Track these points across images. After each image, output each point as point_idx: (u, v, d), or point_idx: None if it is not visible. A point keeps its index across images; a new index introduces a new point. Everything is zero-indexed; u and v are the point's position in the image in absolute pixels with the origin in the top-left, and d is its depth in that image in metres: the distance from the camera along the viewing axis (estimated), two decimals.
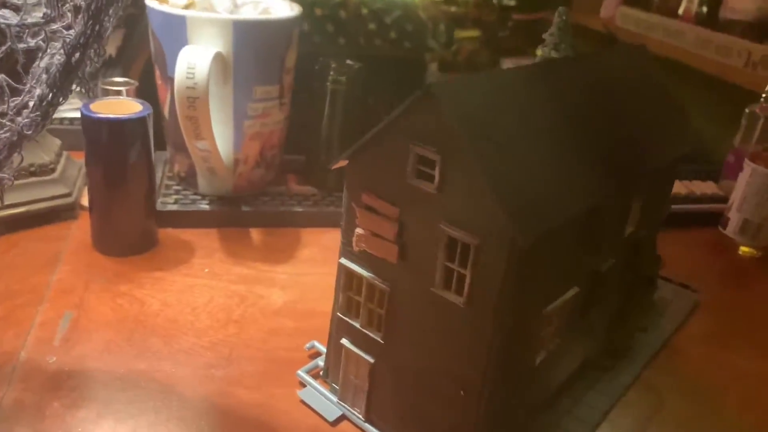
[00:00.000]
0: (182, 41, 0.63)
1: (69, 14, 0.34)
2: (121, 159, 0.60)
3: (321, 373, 0.50)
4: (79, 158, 0.68)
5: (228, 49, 0.64)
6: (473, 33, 2.11)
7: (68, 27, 0.34)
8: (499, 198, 0.34)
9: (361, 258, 0.43)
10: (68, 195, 0.68)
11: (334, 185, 0.77)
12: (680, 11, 1.49)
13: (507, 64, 2.22)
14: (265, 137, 0.71)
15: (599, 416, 0.49)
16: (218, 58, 0.62)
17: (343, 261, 0.44)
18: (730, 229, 0.78)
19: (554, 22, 0.67)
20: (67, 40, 0.34)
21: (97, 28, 0.34)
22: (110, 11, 0.34)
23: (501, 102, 0.38)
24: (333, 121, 0.75)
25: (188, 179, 0.73)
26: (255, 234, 0.70)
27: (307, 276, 0.64)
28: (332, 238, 0.70)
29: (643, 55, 0.58)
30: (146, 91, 0.75)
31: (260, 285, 0.62)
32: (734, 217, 0.77)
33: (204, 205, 0.70)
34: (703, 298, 0.67)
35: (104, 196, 0.62)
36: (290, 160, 0.80)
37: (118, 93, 0.79)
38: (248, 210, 0.71)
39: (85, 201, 0.65)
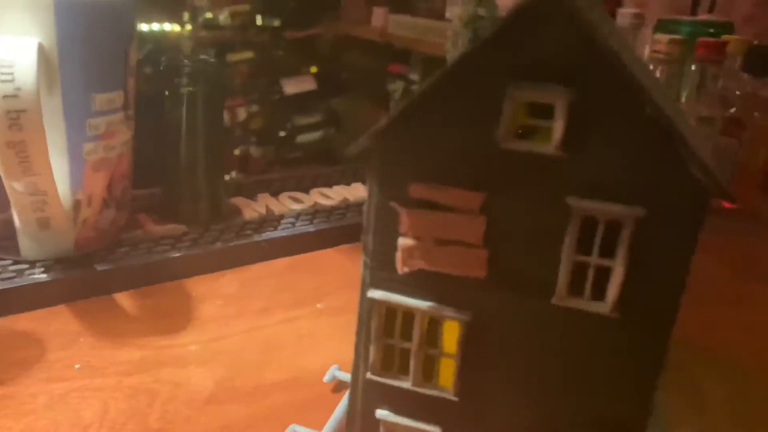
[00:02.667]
0: None
1: None
2: None
3: None
4: None
5: (50, 42, 0.44)
6: (247, 55, 1.99)
7: None
8: (682, 143, 0.23)
9: (412, 283, 0.29)
10: None
11: (210, 217, 0.59)
12: (447, 14, 1.55)
13: (287, 83, 2.13)
14: (113, 165, 0.51)
15: None
16: (41, 52, 0.42)
17: (376, 294, 0.29)
18: None
19: None
20: None
21: None
22: None
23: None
24: (194, 134, 0.57)
25: (2, 243, 0.50)
26: (125, 300, 0.50)
27: (227, 339, 0.46)
28: (233, 282, 0.53)
29: None
30: None
31: (168, 368, 0.43)
32: None
33: (39, 275, 0.48)
34: None
35: None
36: (138, 195, 0.60)
37: None
38: (106, 269, 0.50)
39: None
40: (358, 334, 0.31)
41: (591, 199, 0.25)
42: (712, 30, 0.78)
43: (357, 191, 0.69)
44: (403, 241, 0.28)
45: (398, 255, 0.28)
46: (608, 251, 0.25)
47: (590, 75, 0.23)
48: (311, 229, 0.60)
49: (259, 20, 2.12)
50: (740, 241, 0.70)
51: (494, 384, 0.29)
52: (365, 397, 0.31)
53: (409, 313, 0.29)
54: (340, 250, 0.61)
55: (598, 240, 0.25)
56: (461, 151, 0.26)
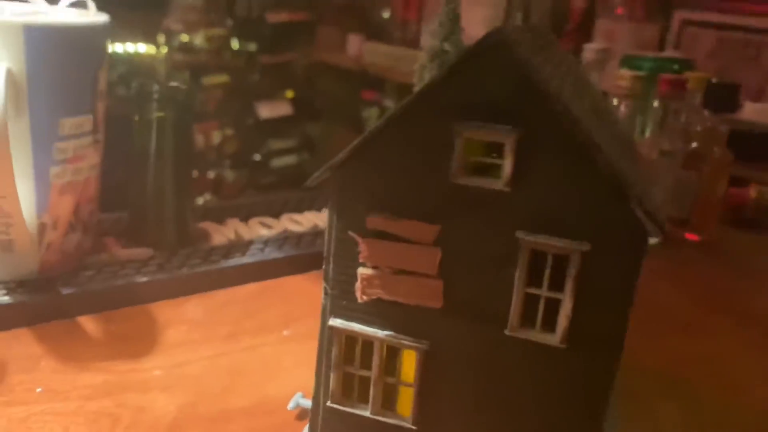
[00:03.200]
0: None
1: None
2: None
3: None
4: None
5: (19, 66, 0.44)
6: (222, 79, 2.00)
7: None
8: (621, 179, 0.24)
9: (371, 311, 0.29)
10: None
11: (177, 242, 0.59)
12: (422, 43, 1.59)
13: (261, 107, 2.14)
14: (80, 189, 0.51)
15: None
16: (9, 77, 0.43)
17: (336, 322, 0.30)
18: None
19: (441, 11, 0.59)
20: None
21: None
22: None
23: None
24: (162, 159, 0.58)
25: None
26: (88, 324, 0.50)
27: (191, 365, 0.46)
28: (199, 307, 0.53)
29: None
30: None
31: (131, 392, 0.43)
32: None
33: (1, 297, 0.48)
34: None
35: None
36: (104, 219, 0.60)
37: None
38: (71, 292, 0.50)
39: None
40: (319, 361, 0.31)
41: (539, 234, 0.26)
42: (675, 66, 0.81)
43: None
44: (363, 270, 0.29)
45: (357, 284, 0.29)
46: (558, 283, 0.26)
47: (533, 116, 0.25)
48: (280, 255, 0.61)
49: (235, 44, 2.12)
50: (700, 271, 0.72)
51: (450, 412, 0.29)
52: (325, 426, 0.32)
53: (368, 342, 0.30)
54: (308, 277, 0.61)
55: (547, 273, 0.26)
56: (416, 185, 0.27)
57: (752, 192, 0.87)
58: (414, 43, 1.64)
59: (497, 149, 0.25)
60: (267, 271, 0.59)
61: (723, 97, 0.75)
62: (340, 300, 0.30)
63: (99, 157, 0.53)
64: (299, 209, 0.71)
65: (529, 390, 0.28)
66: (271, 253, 0.61)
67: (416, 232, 0.27)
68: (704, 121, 0.77)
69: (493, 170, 0.26)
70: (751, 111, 1.14)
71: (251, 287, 0.58)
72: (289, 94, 2.18)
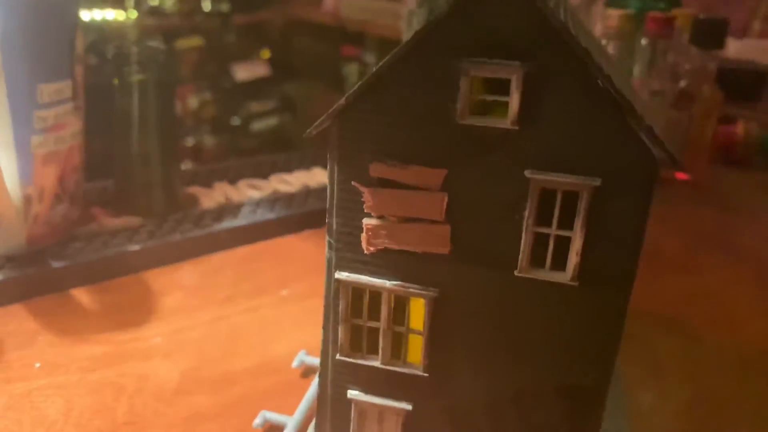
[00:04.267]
0: None
1: None
2: None
3: None
4: None
5: None
6: (195, 42, 1.95)
7: None
8: (633, 111, 0.24)
9: (378, 262, 0.29)
10: None
11: (166, 208, 0.58)
12: None
13: (237, 70, 2.10)
14: (63, 158, 0.50)
15: None
16: None
17: (342, 275, 0.29)
18: None
19: None
20: None
21: None
22: None
23: None
24: (146, 123, 0.56)
25: None
26: (82, 296, 0.49)
27: (191, 330, 0.46)
28: (194, 273, 0.52)
29: None
30: None
31: (133, 361, 0.42)
32: None
33: None
34: None
35: None
36: (89, 188, 0.58)
37: None
38: (62, 265, 0.49)
39: None
40: (326, 316, 0.31)
41: (548, 171, 0.25)
42: (662, 5, 0.80)
43: (317, 177, 0.69)
44: (368, 221, 0.28)
45: (363, 235, 0.28)
46: (567, 222, 0.26)
47: (543, 49, 0.24)
48: (272, 216, 0.60)
49: (207, 5, 2.07)
50: (690, 212, 0.73)
51: (461, 358, 0.29)
52: (335, 379, 0.31)
53: (376, 293, 0.29)
54: (302, 236, 0.61)
55: (557, 211, 0.26)
56: (420, 129, 0.26)
57: (739, 129, 0.87)
58: None
59: (504, 87, 0.24)
60: (260, 233, 0.59)
61: (711, 33, 0.74)
62: (346, 252, 0.29)
63: (81, 124, 0.51)
64: (288, 169, 0.70)
65: (540, 332, 0.28)
66: (264, 215, 0.60)
67: (422, 177, 0.26)
68: (692, 59, 0.76)
69: (500, 109, 0.25)
70: (735, 48, 1.13)
71: (245, 250, 0.57)
72: (265, 54, 2.13)
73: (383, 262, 0.29)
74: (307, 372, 0.42)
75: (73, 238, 0.52)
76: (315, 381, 0.40)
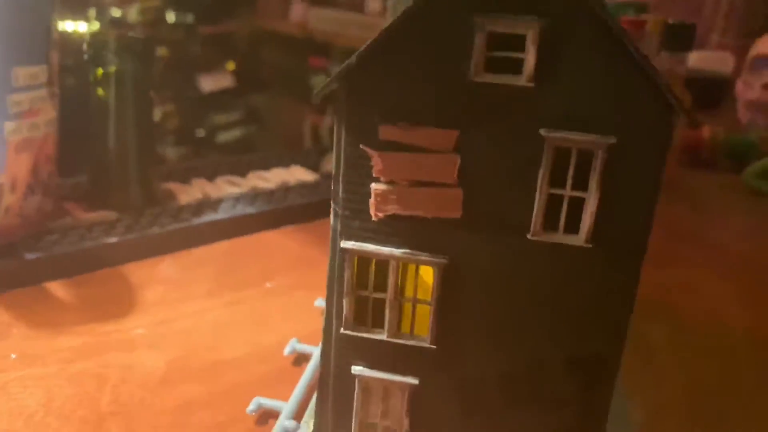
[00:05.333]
0: None
1: None
2: None
3: None
4: None
5: None
6: (160, 53, 1.92)
7: None
8: (650, 66, 0.24)
9: (385, 230, 0.28)
10: None
11: (143, 202, 0.56)
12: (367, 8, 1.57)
13: (203, 80, 2.07)
14: (37, 147, 0.48)
15: None
16: None
17: (348, 244, 0.28)
18: None
19: None
20: None
21: None
22: None
23: None
24: (123, 116, 0.54)
25: None
26: (58, 289, 0.47)
27: (175, 322, 0.44)
28: (174, 266, 0.51)
29: None
30: None
31: (115, 352, 0.40)
32: None
33: None
34: None
35: None
36: (62, 184, 0.56)
37: None
38: (36, 257, 0.47)
39: None
40: (329, 288, 0.30)
41: (563, 130, 0.25)
42: (631, 10, 0.82)
43: (296, 174, 0.68)
44: (377, 186, 0.27)
45: (372, 200, 0.27)
46: (581, 184, 0.26)
47: (558, 3, 0.23)
48: (253, 210, 0.58)
49: (171, 17, 2.05)
50: (665, 209, 0.73)
51: (470, 328, 0.28)
52: (338, 355, 0.30)
53: (382, 263, 0.28)
54: (283, 232, 0.59)
55: (571, 170, 0.25)
56: (431, 89, 0.26)
57: (705, 133, 0.90)
58: (360, 7, 1.61)
59: (519, 43, 0.24)
60: (240, 228, 0.57)
61: (680, 38, 0.76)
62: (352, 220, 0.28)
63: (55, 112, 0.50)
64: (266, 167, 0.69)
65: (553, 299, 0.27)
66: (244, 209, 0.58)
67: (433, 139, 0.26)
68: (663, 63, 0.78)
69: (514, 66, 0.25)
70: (695, 58, 1.17)
71: (225, 245, 0.56)
72: (231, 65, 2.11)
73: (391, 229, 0.28)
74: (299, 360, 0.41)
75: (47, 231, 0.50)
76: (309, 366, 0.39)
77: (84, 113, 0.55)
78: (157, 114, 1.90)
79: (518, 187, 0.26)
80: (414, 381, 0.30)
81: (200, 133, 1.98)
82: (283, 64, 1.90)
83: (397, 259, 0.28)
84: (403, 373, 0.30)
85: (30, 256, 0.47)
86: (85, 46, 0.54)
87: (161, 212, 0.56)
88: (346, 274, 0.29)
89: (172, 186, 0.61)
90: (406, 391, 0.30)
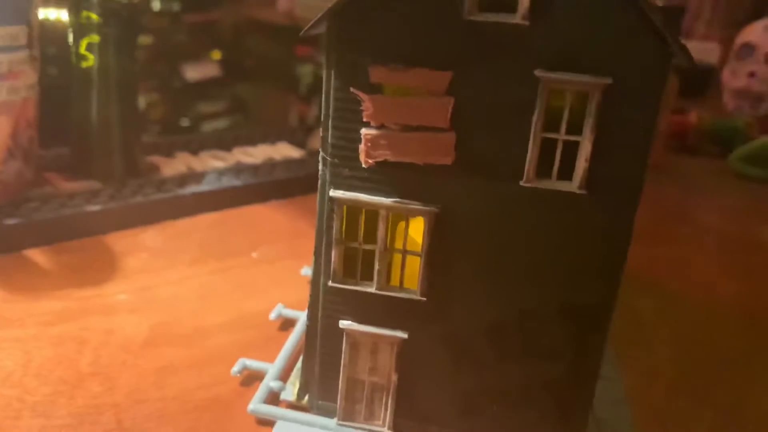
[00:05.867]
0: None
1: None
2: None
3: (285, 395, 0.33)
4: None
5: None
6: (144, 41, 1.90)
7: None
8: (650, 6, 0.23)
9: (375, 179, 0.27)
10: None
11: (126, 174, 0.55)
12: None
13: (188, 70, 2.05)
14: (17, 111, 0.47)
15: None
16: None
17: (337, 193, 0.28)
18: None
19: None
20: None
21: None
22: None
23: None
24: (106, 83, 0.53)
25: None
26: (39, 256, 0.46)
27: (159, 288, 0.43)
28: (158, 236, 0.50)
29: None
30: None
31: (96, 316, 0.39)
32: None
33: None
34: None
35: None
36: (44, 156, 0.55)
37: None
38: (15, 223, 0.46)
39: None
40: (317, 240, 0.29)
41: (558, 71, 0.24)
42: None
43: (282, 150, 0.67)
44: (367, 131, 0.26)
45: (362, 146, 0.27)
46: (576, 128, 0.25)
47: None
48: (239, 183, 0.58)
49: (156, 5, 2.03)
50: (653, 190, 0.73)
51: (461, 279, 0.28)
52: (326, 309, 0.30)
53: (372, 213, 0.28)
54: (270, 206, 0.59)
55: (566, 113, 0.25)
56: (424, 28, 0.25)
57: (693, 118, 0.90)
58: None
59: None
60: (226, 200, 0.56)
61: (668, 20, 0.76)
62: (341, 168, 0.27)
63: (36, 76, 0.48)
64: (252, 143, 0.68)
65: (545, 247, 0.27)
66: (230, 181, 0.57)
67: (426, 81, 0.25)
68: None
69: (509, 5, 0.24)
70: None
71: (211, 217, 0.55)
72: (216, 54, 2.09)
73: (382, 177, 0.27)
74: (286, 325, 0.40)
75: (27, 199, 0.49)
76: (296, 329, 0.38)
77: (66, 84, 0.54)
78: (141, 103, 1.87)
79: (512, 131, 0.26)
80: (403, 335, 0.29)
81: (185, 122, 1.97)
82: (269, 54, 1.88)
83: (387, 208, 0.27)
84: (392, 327, 0.29)
85: (9, 221, 0.46)
86: (67, 16, 0.52)
87: (145, 183, 0.54)
88: (335, 225, 0.28)
89: (157, 159, 0.60)
90: (395, 345, 0.29)
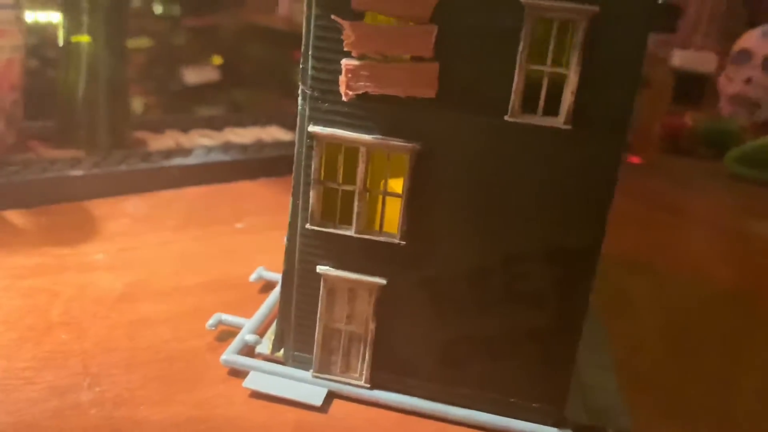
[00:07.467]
0: None
1: None
2: None
3: (260, 348, 0.31)
4: None
5: None
6: (144, 43, 1.90)
7: None
8: None
9: (356, 113, 0.26)
10: None
11: (111, 144, 0.54)
12: None
13: (187, 73, 2.05)
14: (1, 71, 0.46)
15: None
16: None
17: (316, 129, 0.27)
18: None
19: None
20: None
21: None
22: None
23: None
24: (92, 53, 0.53)
25: None
26: (16, 217, 0.45)
27: (138, 250, 0.42)
28: (141, 204, 0.49)
29: None
30: None
31: (71, 272, 0.38)
32: None
33: None
34: None
35: None
36: (28, 126, 0.54)
37: None
38: None
39: None
40: (295, 180, 0.28)
41: None
42: None
43: (272, 133, 0.66)
44: (348, 61, 0.26)
45: (342, 78, 0.26)
46: (561, 63, 0.25)
47: None
48: (226, 158, 0.57)
49: (158, 8, 2.03)
50: (645, 184, 0.73)
51: (443, 222, 0.27)
52: (303, 253, 0.29)
53: (351, 152, 0.27)
54: (257, 183, 0.58)
55: (552, 42, 0.24)
56: None
57: (688, 119, 0.89)
58: None
59: None
60: (213, 175, 0.55)
61: (666, 18, 0.76)
62: (321, 102, 0.27)
63: (22, 39, 0.48)
64: (242, 125, 0.67)
65: (530, 187, 0.26)
66: (218, 156, 0.57)
67: (409, 7, 0.25)
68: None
69: None
70: (679, 58, 1.17)
71: (197, 190, 0.54)
72: (216, 60, 2.09)
73: (363, 112, 0.26)
74: (266, 288, 0.39)
75: (8, 162, 0.48)
76: (276, 289, 0.37)
77: (54, 58, 0.53)
78: (138, 105, 1.87)
79: (497, 63, 0.25)
80: (382, 281, 0.28)
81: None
82: (267, 59, 1.88)
83: (367, 145, 0.27)
84: (371, 273, 0.28)
85: None
86: None
87: (131, 154, 0.54)
88: (314, 163, 0.27)
89: (145, 135, 0.59)
90: (374, 291, 0.28)
